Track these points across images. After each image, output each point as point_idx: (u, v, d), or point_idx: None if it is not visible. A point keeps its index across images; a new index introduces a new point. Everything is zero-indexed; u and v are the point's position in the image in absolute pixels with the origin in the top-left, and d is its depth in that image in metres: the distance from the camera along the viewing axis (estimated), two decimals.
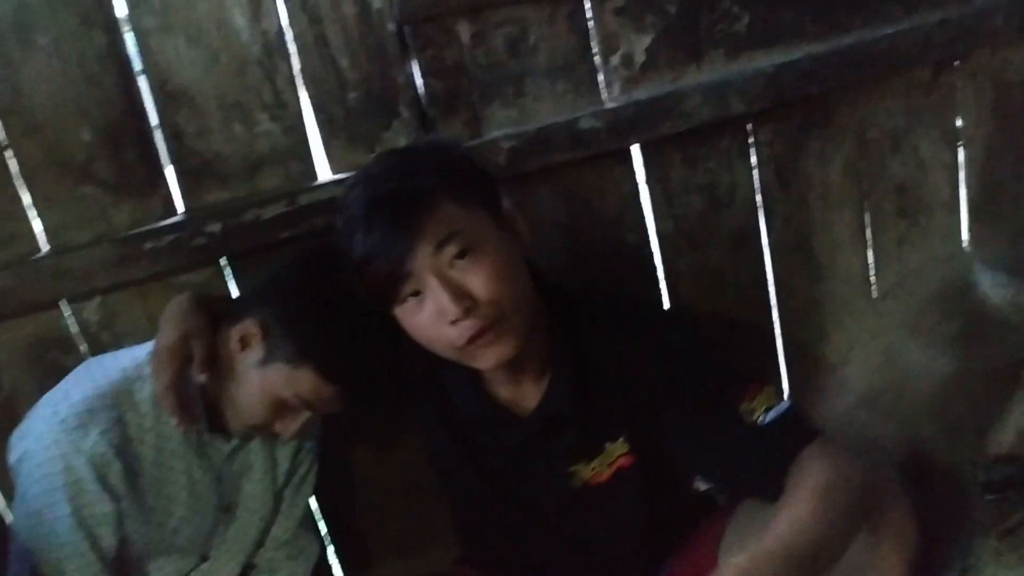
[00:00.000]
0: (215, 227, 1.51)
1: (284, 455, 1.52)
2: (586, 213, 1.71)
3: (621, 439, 1.31)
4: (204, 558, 1.49)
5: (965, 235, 2.01)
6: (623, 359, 1.28)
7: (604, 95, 1.68)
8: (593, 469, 1.32)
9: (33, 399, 1.54)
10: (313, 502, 1.71)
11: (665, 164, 1.75)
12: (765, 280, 1.91)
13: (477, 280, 1.15)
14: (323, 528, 1.80)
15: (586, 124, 1.63)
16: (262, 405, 1.31)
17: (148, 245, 1.49)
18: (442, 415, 1.38)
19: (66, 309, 1.54)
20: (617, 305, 1.34)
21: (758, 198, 1.85)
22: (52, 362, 1.56)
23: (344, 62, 1.53)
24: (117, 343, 1.56)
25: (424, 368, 1.34)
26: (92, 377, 1.34)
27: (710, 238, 1.82)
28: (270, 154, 1.54)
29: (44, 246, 1.51)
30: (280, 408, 1.32)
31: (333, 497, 1.75)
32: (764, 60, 1.73)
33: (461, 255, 1.15)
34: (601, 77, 1.67)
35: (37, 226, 1.50)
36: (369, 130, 1.58)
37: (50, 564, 1.30)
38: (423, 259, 1.14)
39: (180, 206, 1.55)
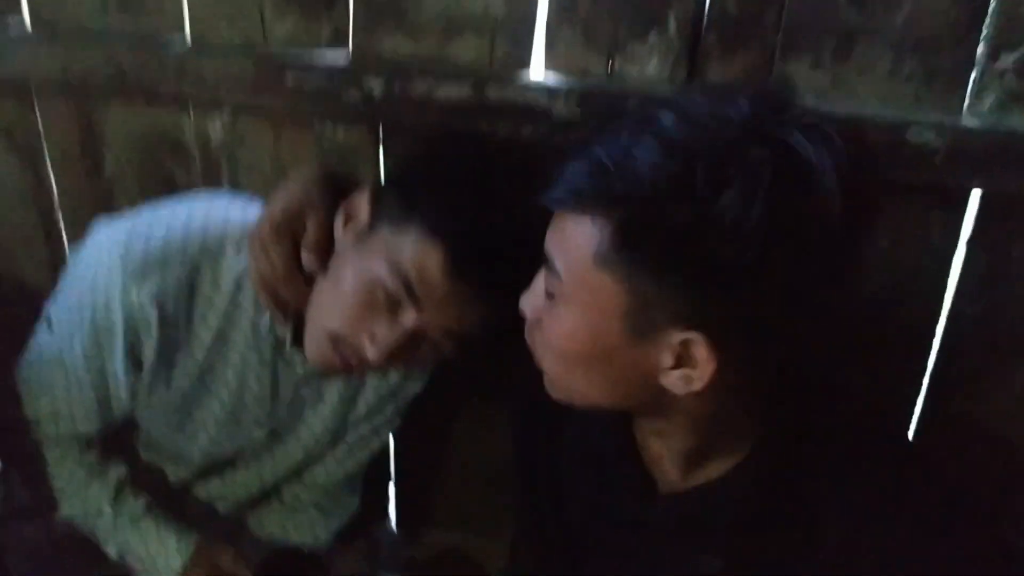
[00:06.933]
0: (376, 84, 1.15)
1: (370, 393, 1.22)
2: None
3: None
4: (229, 464, 1.24)
5: None
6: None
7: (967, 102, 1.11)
8: None
9: (130, 194, 1.34)
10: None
11: None
12: None
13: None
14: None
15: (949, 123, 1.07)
16: (353, 294, 0.98)
17: (291, 75, 1.16)
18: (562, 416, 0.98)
19: (191, 115, 1.27)
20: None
21: None
22: (159, 165, 1.31)
23: None
24: (232, 175, 1.29)
25: None
26: (190, 217, 1.07)
27: None
28: (478, 18, 1.14)
29: (188, 38, 1.22)
30: (373, 302, 0.98)
31: (409, 450, 1.48)
32: None
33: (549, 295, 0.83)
34: (973, 76, 1.10)
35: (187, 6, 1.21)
36: (614, 32, 1.12)
37: (46, 397, 1.13)
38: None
39: (351, 43, 1.20)
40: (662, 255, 0.72)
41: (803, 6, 1.08)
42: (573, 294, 0.79)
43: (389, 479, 1.53)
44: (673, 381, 0.78)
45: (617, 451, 0.95)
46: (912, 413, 1.27)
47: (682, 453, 0.89)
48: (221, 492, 1.28)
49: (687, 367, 0.76)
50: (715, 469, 0.88)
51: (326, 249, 1.03)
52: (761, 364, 0.80)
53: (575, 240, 0.77)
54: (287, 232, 1.03)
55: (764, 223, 0.68)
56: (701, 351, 0.75)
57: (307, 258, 1.02)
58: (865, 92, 1.10)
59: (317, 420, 1.21)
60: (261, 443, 1.22)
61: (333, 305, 1.00)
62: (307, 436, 1.23)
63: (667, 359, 0.77)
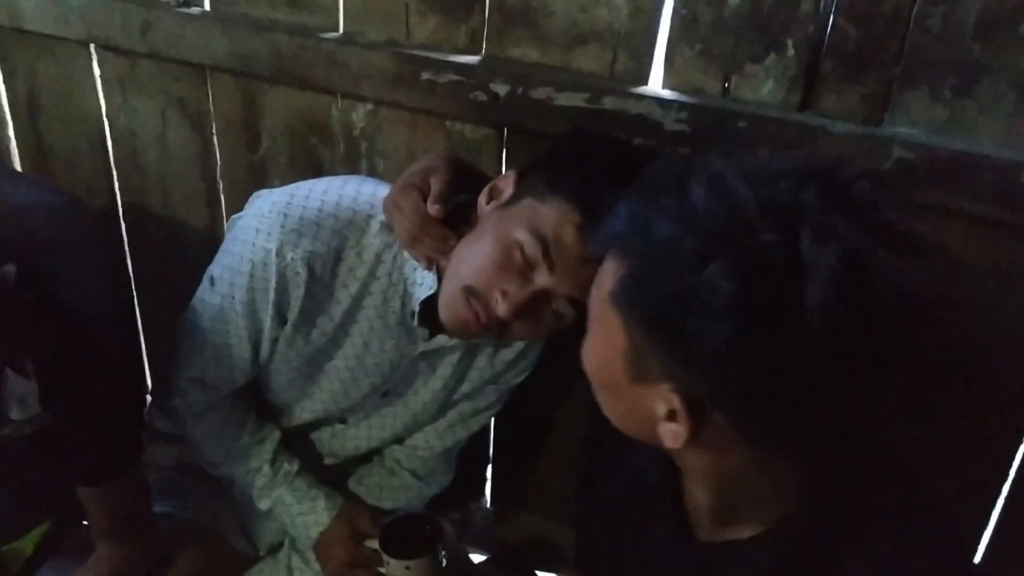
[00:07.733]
0: (501, 88, 1.23)
1: (476, 375, 1.32)
2: None
3: None
4: (341, 420, 1.36)
5: None
6: None
7: None
8: None
9: (280, 167, 1.48)
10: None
11: None
12: None
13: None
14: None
15: None
16: (492, 254, 1.06)
17: (425, 75, 1.26)
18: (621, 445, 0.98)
19: (338, 103, 1.39)
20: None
21: None
22: (307, 145, 1.45)
23: None
24: (370, 160, 1.41)
25: None
26: (343, 194, 1.19)
27: None
28: (602, 31, 1.20)
29: (340, 27, 1.34)
30: (509, 262, 1.05)
31: (509, 437, 1.59)
32: None
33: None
34: None
35: (342, 5, 1.33)
36: (732, 53, 1.16)
37: (208, 348, 1.24)
38: None
39: (484, 48, 1.28)
40: (654, 314, 0.72)
41: (927, 37, 1.08)
42: (593, 321, 0.82)
43: (488, 462, 1.62)
44: (664, 432, 0.77)
45: (663, 487, 0.95)
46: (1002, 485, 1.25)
47: (709, 506, 0.89)
48: (330, 445, 1.40)
49: (677, 423, 0.76)
50: (746, 529, 0.88)
51: (449, 203, 1.13)
52: (767, 441, 0.77)
53: (601, 271, 0.80)
54: (413, 189, 1.14)
55: (735, 306, 0.65)
56: (681, 412, 0.75)
57: (432, 208, 1.12)
58: (983, 130, 1.09)
59: (427, 391, 1.31)
60: (373, 404, 1.33)
61: (472, 263, 1.09)
62: (416, 404, 1.33)
63: (661, 409, 0.76)
